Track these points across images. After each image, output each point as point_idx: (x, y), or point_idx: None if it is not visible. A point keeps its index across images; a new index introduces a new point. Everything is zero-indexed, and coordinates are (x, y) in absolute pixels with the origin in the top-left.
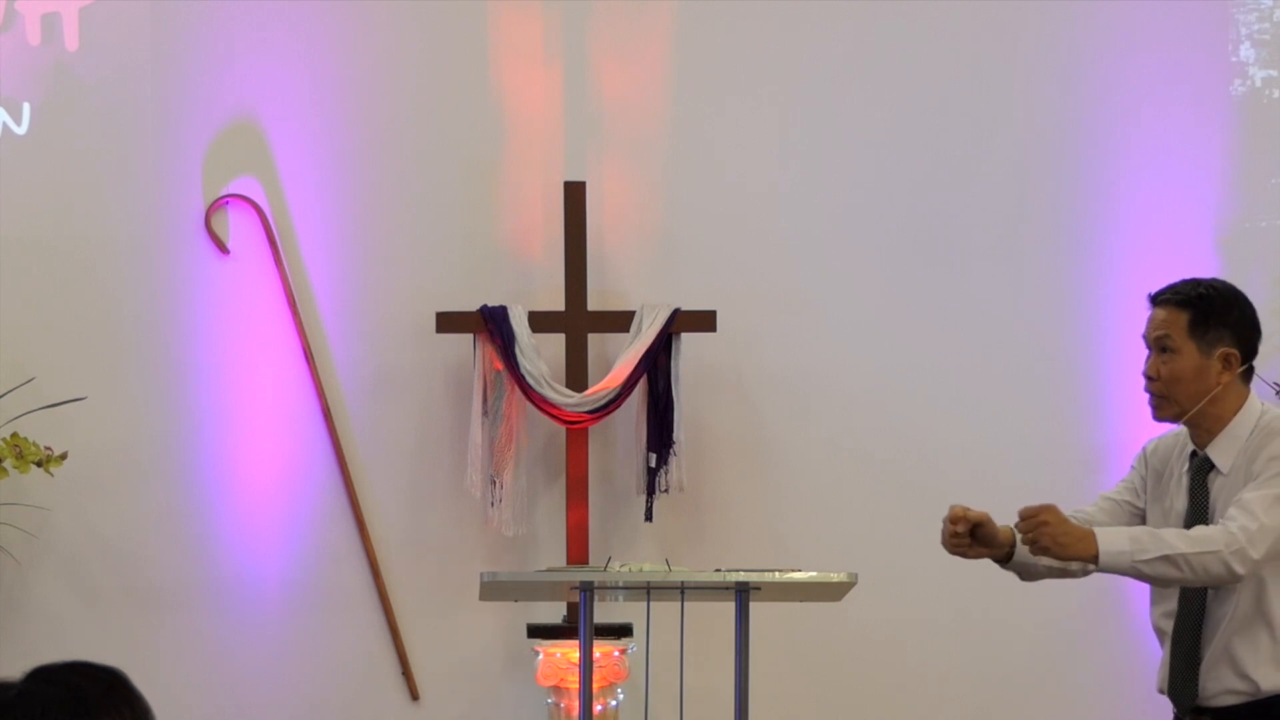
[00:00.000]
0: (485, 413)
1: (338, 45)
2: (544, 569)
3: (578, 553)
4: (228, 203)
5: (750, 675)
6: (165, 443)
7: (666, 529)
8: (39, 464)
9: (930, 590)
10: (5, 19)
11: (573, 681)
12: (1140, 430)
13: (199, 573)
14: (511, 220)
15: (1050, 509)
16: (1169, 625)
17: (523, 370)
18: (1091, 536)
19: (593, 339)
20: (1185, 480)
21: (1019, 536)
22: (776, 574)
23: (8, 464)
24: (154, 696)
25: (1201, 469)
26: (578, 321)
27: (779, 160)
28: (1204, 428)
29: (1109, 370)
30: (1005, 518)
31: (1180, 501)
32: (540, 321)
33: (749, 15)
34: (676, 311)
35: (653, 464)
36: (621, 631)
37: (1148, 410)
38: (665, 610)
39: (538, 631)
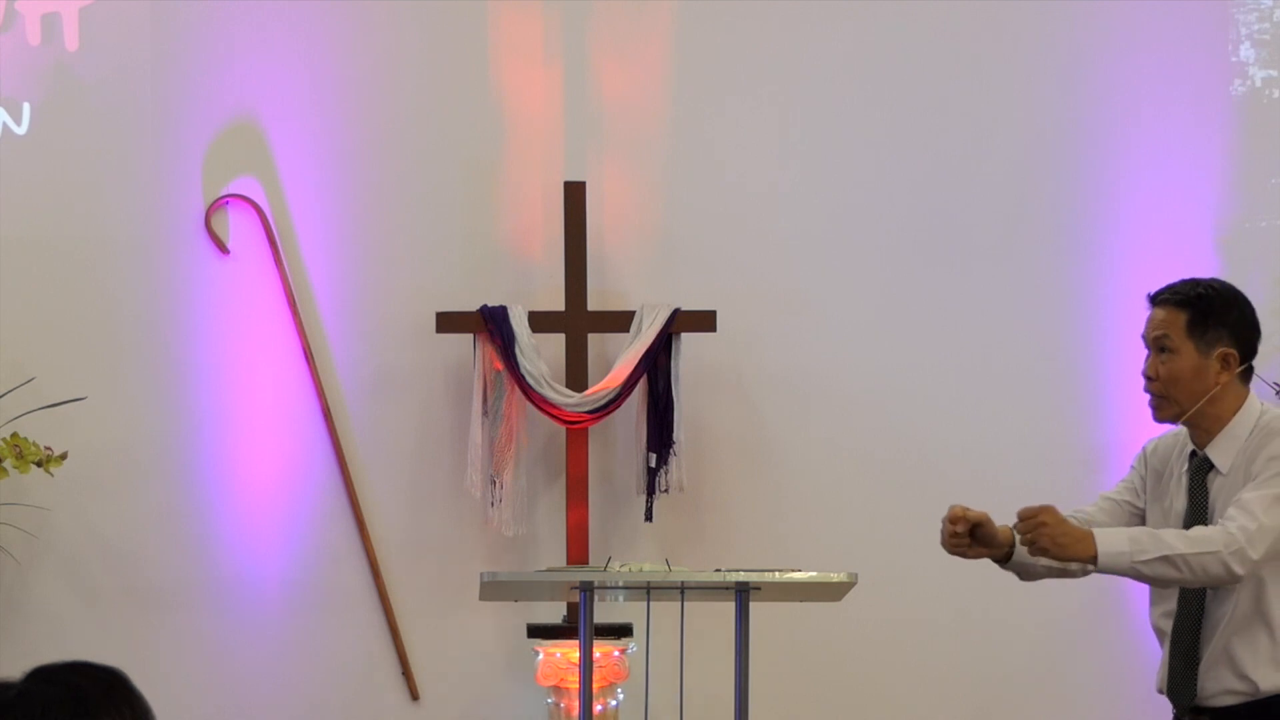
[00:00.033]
0: (485, 413)
1: (338, 45)
2: (544, 569)
3: (578, 553)
4: (228, 203)
5: (750, 675)
6: (165, 443)
7: (666, 529)
8: (39, 464)
9: (930, 590)
10: (5, 19)
11: (573, 681)
12: (1140, 430)
13: (199, 573)
14: (511, 220)
15: (1049, 510)
16: (1168, 625)
17: (523, 370)
18: (1090, 537)
19: (593, 339)
20: (1185, 480)
21: (1018, 537)
22: (776, 574)
23: (8, 464)
24: (154, 696)
25: (1201, 469)
26: (578, 321)
27: (779, 160)
28: (1203, 428)
29: (1109, 370)
30: (1005, 518)
31: (1180, 501)
32: (540, 321)
33: (749, 15)
34: (676, 311)
35: (653, 464)
36: (621, 631)
37: (1148, 410)
38: (665, 610)
39: (538, 631)
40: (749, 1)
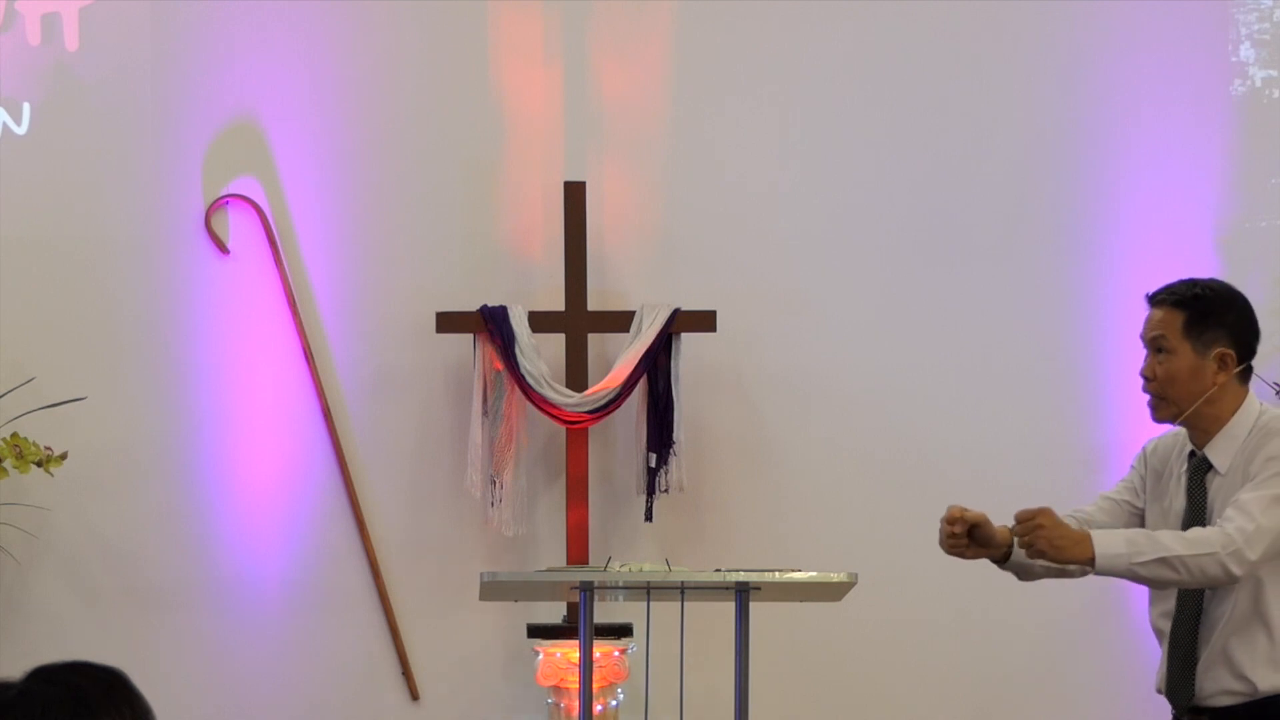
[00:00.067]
0: (485, 413)
1: (338, 45)
2: (544, 569)
3: (578, 553)
4: (228, 203)
5: (750, 675)
6: (165, 443)
7: (666, 529)
8: (39, 464)
9: (930, 590)
10: (5, 19)
11: (573, 681)
12: (1140, 430)
13: (199, 573)
14: (511, 220)
15: (1046, 512)
16: (1167, 625)
17: (523, 370)
18: (1088, 539)
19: (593, 339)
20: (1184, 480)
21: (1016, 539)
22: (776, 574)
23: (8, 464)
24: (154, 696)
25: (1199, 469)
26: (578, 321)
27: (779, 160)
28: (1201, 428)
29: (1109, 370)
30: (1005, 518)
31: (1179, 501)
32: (540, 321)
33: (749, 15)
34: (676, 311)
35: (653, 464)
36: (621, 631)
37: (1147, 410)
38: (665, 610)
39: (538, 631)
40: (749, 1)
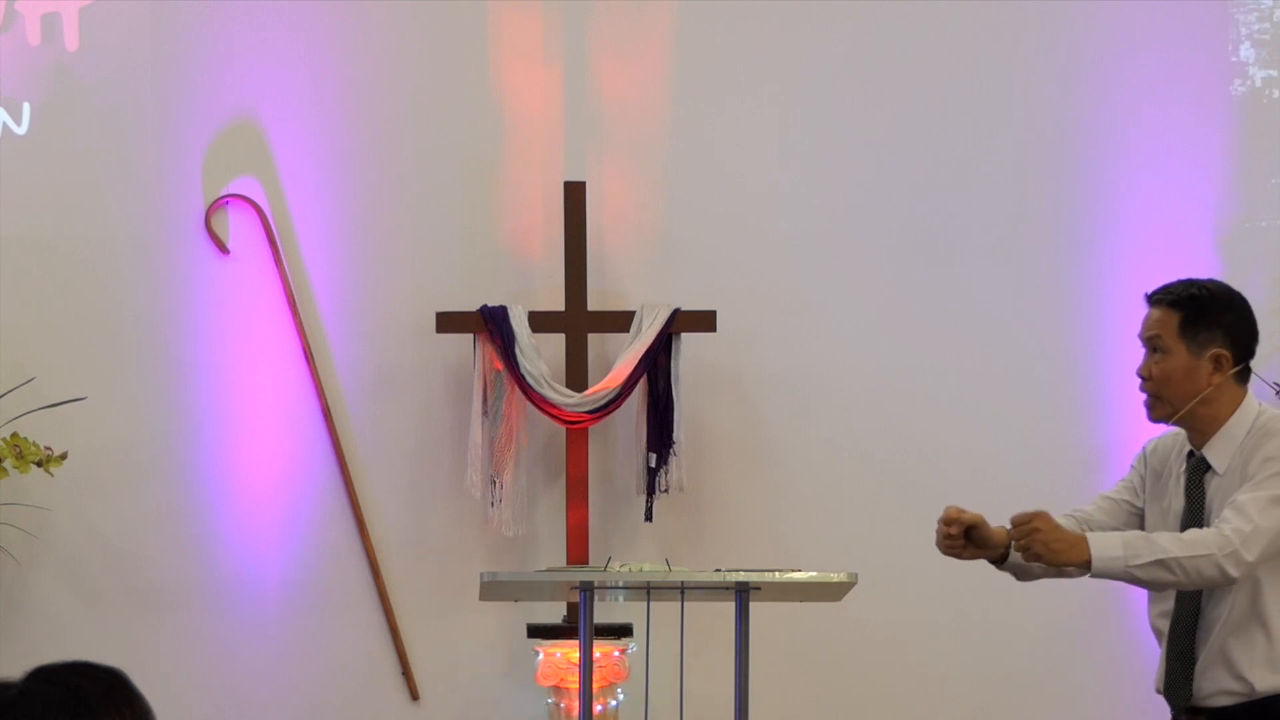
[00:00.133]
0: (485, 413)
1: (338, 45)
2: (544, 569)
3: (578, 553)
4: (228, 203)
5: (750, 675)
6: (165, 443)
7: (666, 529)
8: (39, 464)
9: (930, 590)
10: (5, 19)
11: (573, 681)
12: (1140, 430)
13: (199, 573)
14: (511, 220)
15: (1042, 515)
16: (1165, 625)
17: (523, 370)
18: (1083, 542)
19: (593, 339)
20: (1183, 480)
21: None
22: (776, 574)
23: (8, 464)
24: (154, 696)
25: (1198, 469)
26: (578, 321)
27: (779, 160)
28: (1198, 429)
29: (1109, 370)
30: (1005, 518)
31: (1178, 501)
32: (540, 321)
33: (749, 15)
34: (676, 311)
35: (653, 464)
36: (621, 631)
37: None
38: (665, 610)
39: (538, 631)
40: (749, 1)
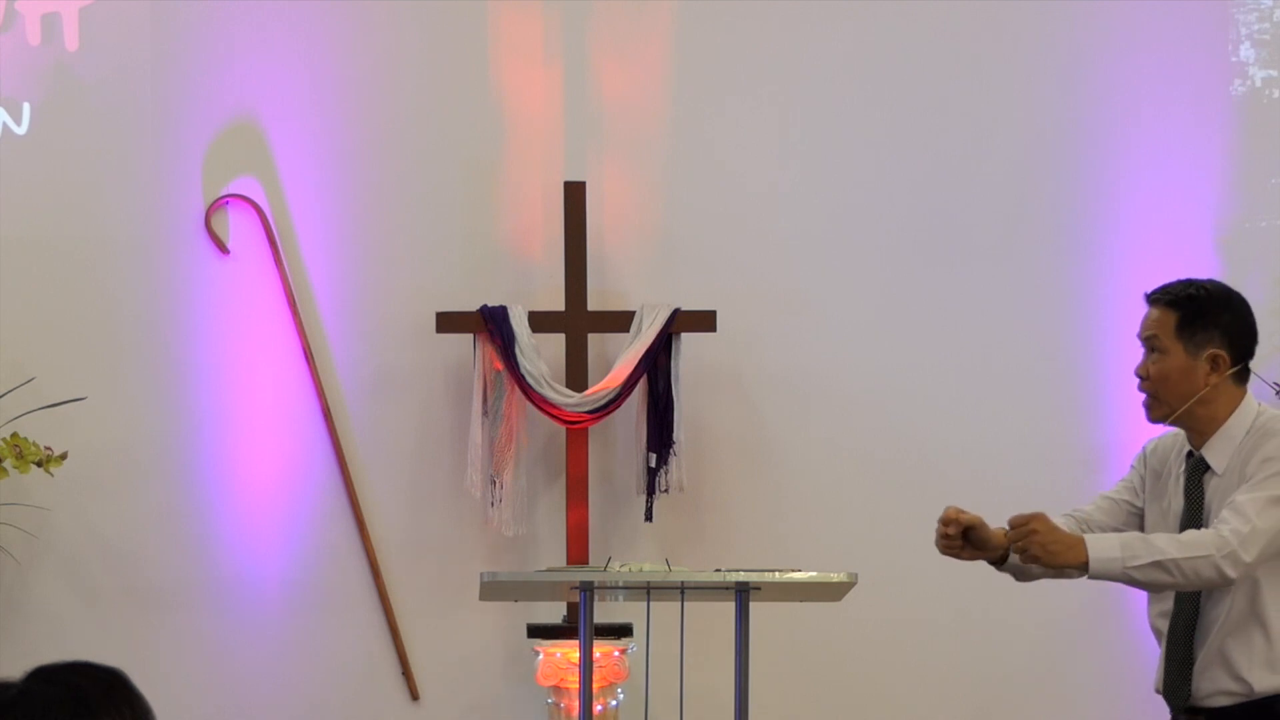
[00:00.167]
0: (485, 413)
1: (338, 45)
2: (544, 569)
3: (578, 553)
4: (228, 203)
5: (750, 675)
6: (165, 443)
7: (666, 529)
8: (39, 464)
9: (930, 590)
10: (5, 19)
11: (573, 681)
12: (1140, 430)
13: (199, 573)
14: (511, 220)
15: (1039, 517)
16: (1164, 625)
17: (523, 370)
18: (1081, 544)
19: (593, 339)
20: (1182, 480)
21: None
22: (776, 574)
23: (8, 464)
24: (154, 696)
25: (1197, 469)
26: (578, 321)
27: (779, 160)
28: (1196, 429)
29: (1109, 370)
30: (1005, 518)
31: (1178, 502)
32: (540, 321)
33: (749, 15)
34: (676, 311)
35: (653, 464)
36: (621, 631)
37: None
38: (665, 610)
39: (538, 631)
40: (749, 1)
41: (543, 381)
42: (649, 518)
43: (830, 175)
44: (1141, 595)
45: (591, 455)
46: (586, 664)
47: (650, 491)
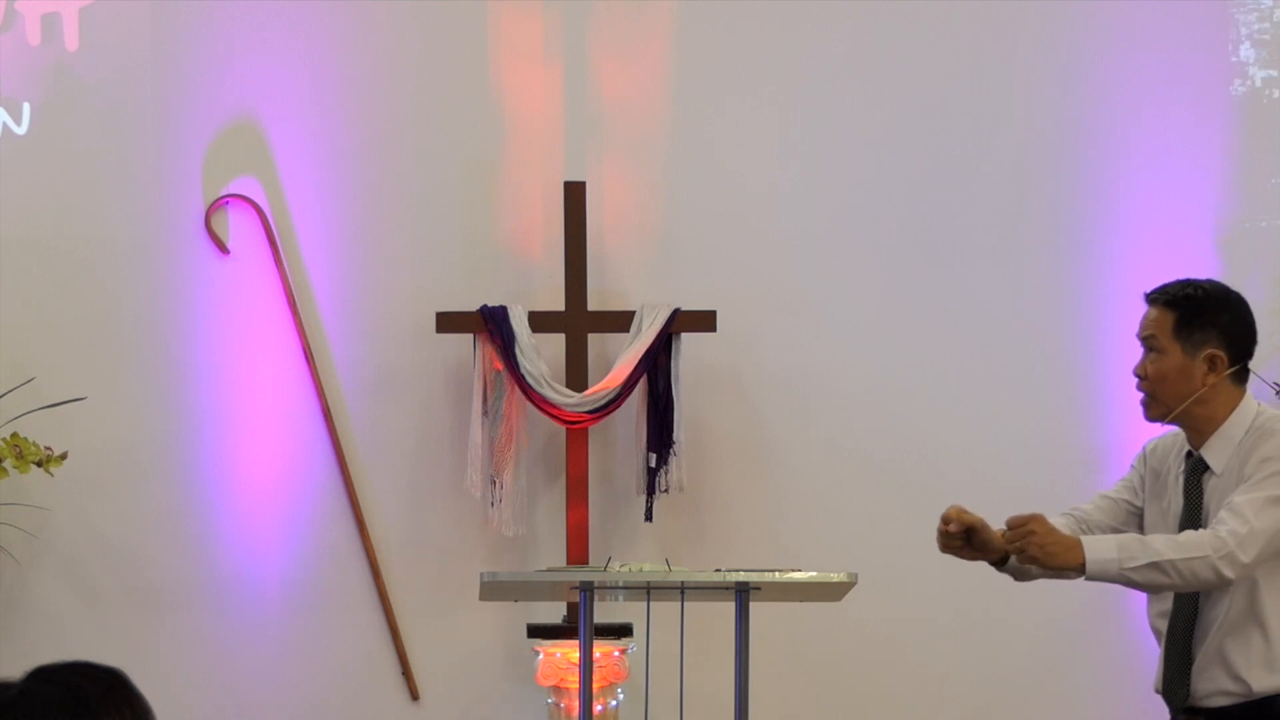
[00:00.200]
0: (485, 413)
1: (338, 45)
2: (544, 569)
3: (578, 553)
4: (228, 203)
5: (750, 675)
6: (165, 443)
7: (666, 529)
8: (39, 464)
9: (930, 590)
10: (5, 19)
11: (573, 681)
12: (1140, 430)
13: (199, 573)
14: (511, 220)
15: (1037, 519)
16: (1164, 625)
17: (523, 370)
18: (1078, 545)
19: (593, 339)
20: (1181, 480)
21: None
22: (776, 574)
23: (8, 464)
24: (154, 696)
25: (1196, 469)
26: (578, 321)
27: (779, 160)
28: (1195, 429)
29: (1109, 370)
30: (1005, 518)
31: (1177, 501)
32: (540, 321)
33: (749, 15)
34: (676, 311)
35: (653, 464)
36: (621, 631)
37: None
38: (665, 610)
39: (538, 631)
40: (749, 1)
41: (543, 381)
42: (649, 518)
43: (830, 175)
44: (1141, 595)
45: (591, 455)
46: (586, 664)
47: (650, 491)
